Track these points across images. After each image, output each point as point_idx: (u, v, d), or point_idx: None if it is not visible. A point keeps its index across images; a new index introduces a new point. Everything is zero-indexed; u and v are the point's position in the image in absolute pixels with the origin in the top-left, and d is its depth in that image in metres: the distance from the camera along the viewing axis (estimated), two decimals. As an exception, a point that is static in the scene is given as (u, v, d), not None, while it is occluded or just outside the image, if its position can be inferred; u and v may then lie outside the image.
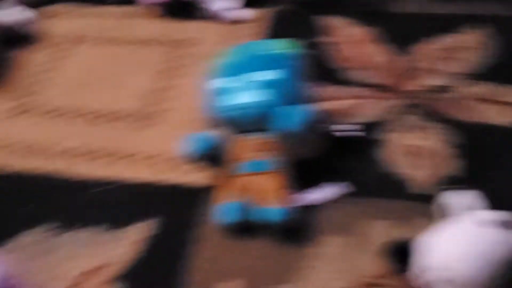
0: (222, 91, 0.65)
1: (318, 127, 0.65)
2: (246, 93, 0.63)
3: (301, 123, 0.60)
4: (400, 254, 0.54)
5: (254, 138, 0.64)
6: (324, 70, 0.84)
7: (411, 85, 0.80)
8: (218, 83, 0.66)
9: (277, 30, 0.93)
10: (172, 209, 0.67)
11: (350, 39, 0.90)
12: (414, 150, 0.71)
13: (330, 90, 0.80)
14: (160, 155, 0.74)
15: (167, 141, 0.75)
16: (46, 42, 0.95)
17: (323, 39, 0.90)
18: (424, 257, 0.51)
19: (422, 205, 0.63)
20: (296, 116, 0.60)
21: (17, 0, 0.95)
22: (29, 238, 0.65)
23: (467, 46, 0.86)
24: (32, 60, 0.91)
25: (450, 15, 0.92)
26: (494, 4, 0.92)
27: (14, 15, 0.92)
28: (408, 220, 0.62)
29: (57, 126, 0.80)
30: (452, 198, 0.57)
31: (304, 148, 0.64)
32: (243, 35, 0.92)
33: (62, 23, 0.99)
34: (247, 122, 0.64)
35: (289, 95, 0.63)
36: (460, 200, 0.56)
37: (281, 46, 0.66)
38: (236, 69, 0.65)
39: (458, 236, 0.50)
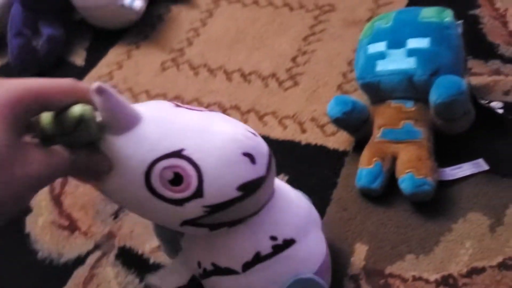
0: (371, 56, 0.65)
1: (469, 102, 0.62)
2: (397, 59, 0.63)
3: (452, 94, 0.57)
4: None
5: (400, 106, 0.64)
6: (478, 43, 0.80)
7: None
8: (368, 47, 0.66)
9: (424, 2, 0.89)
10: (313, 169, 0.69)
11: (507, 13, 0.83)
12: None
13: (483, 64, 0.76)
14: (304, 115, 0.76)
15: (311, 102, 0.77)
16: (195, 1, 1.01)
17: (477, 10, 0.85)
18: None
19: None
20: (448, 87, 0.58)
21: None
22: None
23: None
24: (183, 18, 0.98)
25: None
26: None
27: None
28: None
29: (205, 82, 0.85)
30: None
31: (456, 122, 0.62)
32: (389, 4, 0.90)
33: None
34: (395, 89, 0.63)
35: (441, 65, 0.61)
36: None
37: (434, 14, 0.63)
38: (387, 35, 0.64)
39: None
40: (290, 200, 0.50)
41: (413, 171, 0.59)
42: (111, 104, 0.36)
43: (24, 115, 0.33)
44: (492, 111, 0.68)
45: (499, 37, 0.80)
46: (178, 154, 0.38)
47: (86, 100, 0.37)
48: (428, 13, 0.64)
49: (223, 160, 0.39)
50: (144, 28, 0.98)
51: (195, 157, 0.38)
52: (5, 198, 0.31)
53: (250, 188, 0.41)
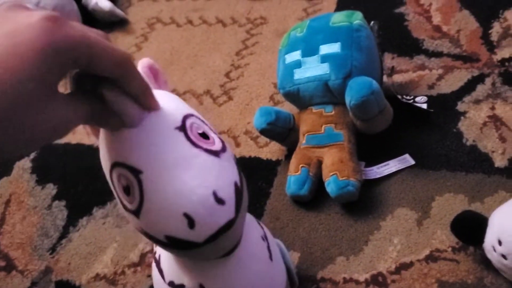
0: (289, 66, 0.66)
1: (383, 100, 0.63)
2: (312, 66, 0.64)
3: (364, 95, 0.58)
4: (470, 228, 0.52)
5: (320, 111, 0.65)
6: (403, 40, 0.81)
7: (497, 54, 0.74)
8: (286, 57, 0.67)
9: (352, 3, 0.91)
10: (248, 181, 0.69)
11: (431, 8, 0.85)
12: (496, 121, 0.66)
13: (408, 61, 0.78)
14: (238, 129, 0.76)
15: (244, 116, 0.78)
16: (129, 26, 1.02)
17: (402, 8, 0.87)
18: (492, 230, 0.49)
19: (505, 179, 0.60)
20: (359, 89, 0.59)
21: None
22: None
23: None
24: (119, 44, 0.98)
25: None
26: None
27: (104, 2, 0.99)
28: (488, 194, 0.59)
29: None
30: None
31: (373, 121, 0.63)
32: (318, 11, 0.92)
33: (142, 7, 1.05)
34: (314, 95, 0.64)
35: (353, 68, 0.62)
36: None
37: (344, 19, 0.65)
38: (302, 44, 0.65)
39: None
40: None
41: (336, 173, 0.60)
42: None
43: (66, 65, 0.29)
44: (415, 106, 0.69)
45: (424, 32, 0.82)
46: (133, 169, 0.35)
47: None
48: (338, 18, 0.65)
49: (163, 207, 0.35)
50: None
51: (144, 184, 0.35)
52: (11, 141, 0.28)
53: (178, 243, 0.36)
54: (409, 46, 0.80)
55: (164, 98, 0.38)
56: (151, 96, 0.35)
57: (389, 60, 0.78)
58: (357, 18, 0.65)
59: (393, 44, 0.81)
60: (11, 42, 0.27)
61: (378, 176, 0.64)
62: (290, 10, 0.94)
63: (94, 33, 0.31)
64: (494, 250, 0.49)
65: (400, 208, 0.61)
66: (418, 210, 0.60)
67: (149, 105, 0.35)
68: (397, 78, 0.76)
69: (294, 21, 0.92)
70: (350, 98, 0.60)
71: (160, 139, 0.36)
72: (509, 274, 0.49)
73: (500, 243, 0.48)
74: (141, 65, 0.41)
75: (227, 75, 0.86)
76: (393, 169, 0.64)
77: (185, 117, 0.38)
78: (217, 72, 0.87)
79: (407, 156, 0.65)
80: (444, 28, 0.81)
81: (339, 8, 0.91)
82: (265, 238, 0.47)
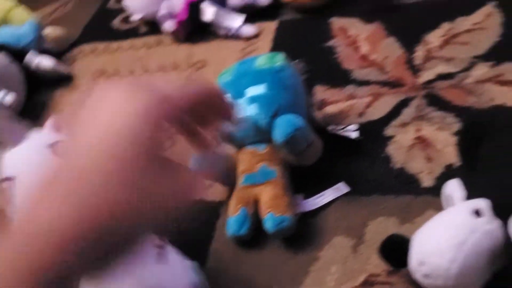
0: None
1: (310, 134, 0.66)
2: (242, 108, 0.66)
3: (290, 132, 0.61)
4: (396, 252, 0.54)
5: (254, 150, 0.67)
6: (334, 72, 0.85)
7: (421, 77, 0.78)
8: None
9: (286, 40, 0.95)
10: (191, 226, 0.71)
11: (359, 38, 0.90)
12: (422, 142, 0.70)
13: (339, 92, 0.81)
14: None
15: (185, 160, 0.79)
16: (75, 82, 1.04)
17: (332, 42, 0.91)
18: (414, 251, 0.51)
19: (432, 198, 0.63)
20: (284, 127, 0.62)
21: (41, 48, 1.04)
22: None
23: (474, 28, 0.82)
24: (65, 101, 1.00)
25: (453, 0, 0.89)
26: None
27: (46, 61, 1.01)
28: (418, 214, 0.62)
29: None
30: (449, 188, 0.57)
31: (303, 155, 0.65)
32: (254, 50, 0.95)
33: (87, 62, 1.08)
34: (246, 136, 0.67)
35: (280, 106, 0.65)
36: (453, 189, 0.55)
37: (267, 61, 0.68)
38: (230, 88, 0.68)
39: (434, 228, 0.50)
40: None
41: (272, 210, 0.62)
42: None
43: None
44: (345, 136, 0.72)
45: (353, 62, 0.86)
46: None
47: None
48: (262, 61, 0.68)
49: None
50: (28, 117, 0.99)
51: None
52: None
53: None
54: (339, 78, 0.84)
55: None
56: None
57: (321, 93, 0.82)
58: (280, 59, 0.68)
59: (324, 77, 0.85)
60: (116, 132, 0.28)
61: (315, 207, 0.66)
62: (228, 51, 0.98)
63: (173, 88, 0.31)
64: (418, 271, 0.51)
65: (337, 236, 0.63)
66: (353, 237, 0.62)
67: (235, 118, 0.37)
68: (330, 109, 0.79)
69: (233, 61, 0.93)
70: (277, 136, 0.62)
71: None
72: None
73: (422, 263, 0.50)
74: (49, 123, 0.42)
75: (170, 121, 0.88)
76: (329, 199, 0.67)
77: None
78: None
79: (341, 184, 0.68)
80: (371, 57, 0.86)
81: (275, 46, 0.95)
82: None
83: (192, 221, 0.69)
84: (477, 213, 0.47)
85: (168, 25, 1.01)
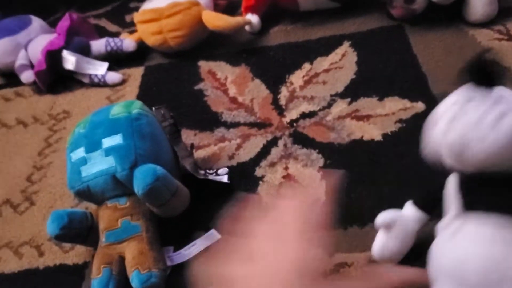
0: (75, 164, 0.63)
1: (174, 183, 0.63)
2: (97, 161, 0.62)
3: (150, 183, 0.58)
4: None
5: (115, 205, 0.63)
6: (203, 116, 0.84)
7: (286, 116, 0.80)
8: (71, 156, 0.64)
9: (153, 86, 0.93)
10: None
11: (227, 81, 0.90)
12: (290, 180, 0.70)
13: (210, 135, 0.80)
14: (41, 237, 0.71)
15: (45, 222, 0.72)
16: None
17: (201, 85, 0.91)
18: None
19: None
20: (143, 177, 0.58)
21: None
22: None
23: (332, 67, 0.87)
24: None
25: (314, 41, 0.94)
26: (350, 23, 0.95)
27: None
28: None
29: None
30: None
31: (168, 205, 0.62)
32: (121, 97, 0.92)
33: None
34: (105, 190, 0.62)
35: (138, 156, 0.62)
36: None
37: (123, 109, 0.65)
38: (84, 140, 0.64)
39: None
40: None
41: (137, 267, 0.58)
42: None
43: None
44: (214, 180, 0.70)
45: (222, 105, 0.86)
46: None
47: None
48: (117, 109, 0.65)
49: None
50: None
51: None
52: None
53: None
54: (209, 120, 0.83)
55: None
56: None
57: (191, 137, 0.80)
58: (136, 107, 0.65)
59: (194, 121, 0.83)
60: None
61: (187, 258, 0.63)
62: (93, 100, 0.93)
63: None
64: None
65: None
66: None
67: None
68: (200, 153, 0.78)
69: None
70: (137, 188, 0.59)
71: None
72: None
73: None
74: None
75: (28, 178, 0.80)
76: (201, 247, 0.64)
77: None
78: (17, 177, 0.81)
79: (213, 231, 0.65)
80: (240, 99, 0.86)
81: (142, 92, 0.92)
82: None
83: (56, 285, 0.64)
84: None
85: (26, 76, 0.95)
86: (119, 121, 0.63)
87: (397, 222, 0.54)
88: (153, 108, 0.69)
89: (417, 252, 0.54)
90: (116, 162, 0.61)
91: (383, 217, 0.54)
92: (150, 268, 0.58)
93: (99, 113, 0.66)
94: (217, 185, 0.70)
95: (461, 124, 0.44)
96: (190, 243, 0.64)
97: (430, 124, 0.47)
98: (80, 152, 0.63)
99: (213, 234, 0.65)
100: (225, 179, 0.71)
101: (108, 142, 0.62)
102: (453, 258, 0.44)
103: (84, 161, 0.62)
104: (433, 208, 0.54)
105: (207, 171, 0.73)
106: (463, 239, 0.45)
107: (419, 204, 0.55)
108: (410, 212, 0.55)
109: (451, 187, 0.49)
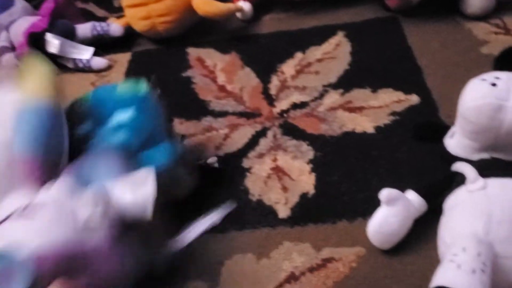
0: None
1: (183, 164, 0.61)
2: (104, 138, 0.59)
3: (167, 161, 0.56)
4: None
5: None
6: (191, 104, 0.81)
7: (276, 106, 0.78)
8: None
9: (140, 72, 0.90)
10: None
11: (216, 69, 0.87)
12: (278, 172, 0.68)
13: (197, 124, 0.77)
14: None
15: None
16: None
17: (189, 72, 0.88)
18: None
19: (289, 229, 0.60)
20: (161, 155, 0.57)
21: None
22: None
23: (325, 57, 0.85)
24: None
25: (307, 30, 0.91)
26: (344, 13, 0.93)
27: None
28: (274, 247, 0.59)
29: None
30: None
31: (175, 187, 0.60)
32: (108, 81, 0.89)
33: None
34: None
35: (147, 134, 0.60)
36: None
37: (130, 87, 0.62)
38: (90, 114, 0.62)
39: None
40: None
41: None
42: None
43: None
44: (207, 168, 0.68)
45: (210, 93, 0.83)
46: None
47: None
48: (124, 87, 0.63)
49: None
50: None
51: None
52: None
53: None
54: (196, 109, 0.80)
55: None
56: None
57: (177, 125, 0.77)
58: (143, 86, 0.63)
59: (181, 109, 0.80)
60: None
61: (188, 241, 0.60)
62: (78, 85, 0.90)
63: None
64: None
65: (191, 281, 0.57)
66: (208, 280, 0.57)
67: None
68: (186, 142, 0.75)
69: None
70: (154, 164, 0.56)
71: None
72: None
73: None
74: None
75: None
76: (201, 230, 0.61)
77: None
78: None
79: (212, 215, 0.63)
80: (228, 87, 0.84)
81: (128, 78, 0.89)
82: None
83: None
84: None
85: (7, 58, 0.91)
86: (129, 99, 0.61)
87: (400, 200, 0.56)
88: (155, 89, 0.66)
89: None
90: (128, 137, 0.59)
91: (388, 191, 0.55)
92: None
93: (104, 90, 0.66)
94: (205, 174, 0.68)
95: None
96: (189, 228, 0.61)
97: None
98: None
99: (211, 218, 0.63)
100: (216, 165, 0.69)
101: (117, 118, 0.60)
102: (482, 202, 0.51)
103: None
104: (433, 199, 0.57)
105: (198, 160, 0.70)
106: (491, 186, 0.52)
107: (421, 193, 0.57)
108: (411, 197, 0.57)
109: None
